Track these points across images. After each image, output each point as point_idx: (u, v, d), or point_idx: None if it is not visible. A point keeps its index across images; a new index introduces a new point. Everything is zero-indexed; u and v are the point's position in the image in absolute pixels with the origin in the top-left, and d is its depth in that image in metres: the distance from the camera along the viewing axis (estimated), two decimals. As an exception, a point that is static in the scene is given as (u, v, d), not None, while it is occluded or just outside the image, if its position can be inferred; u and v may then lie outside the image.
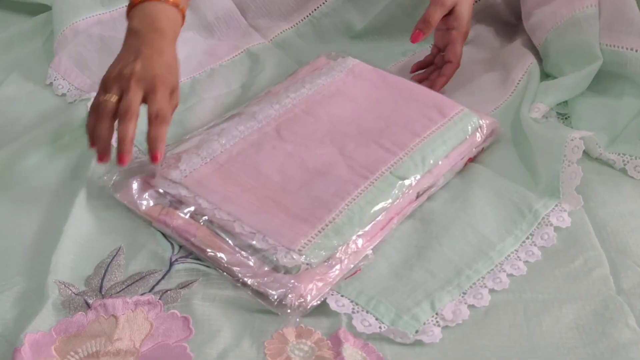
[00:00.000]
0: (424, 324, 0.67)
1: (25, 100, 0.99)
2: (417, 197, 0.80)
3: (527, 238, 0.75)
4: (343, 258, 0.71)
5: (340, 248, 0.71)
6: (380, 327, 0.66)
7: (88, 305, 0.68)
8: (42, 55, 1.08)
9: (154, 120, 0.75)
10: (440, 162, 0.82)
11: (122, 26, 1.07)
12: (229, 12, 1.11)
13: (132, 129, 0.74)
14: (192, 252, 0.74)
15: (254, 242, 0.70)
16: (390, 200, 0.76)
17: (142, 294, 0.69)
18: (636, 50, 0.88)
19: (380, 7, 1.10)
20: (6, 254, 0.74)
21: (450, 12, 0.96)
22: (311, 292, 0.68)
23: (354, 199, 0.75)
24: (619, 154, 0.84)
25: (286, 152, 0.81)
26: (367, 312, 0.68)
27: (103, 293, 0.70)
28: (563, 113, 0.93)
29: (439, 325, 0.67)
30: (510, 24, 1.08)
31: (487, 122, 0.88)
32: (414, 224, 0.78)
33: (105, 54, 1.03)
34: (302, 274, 0.68)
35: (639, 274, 0.70)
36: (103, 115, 0.75)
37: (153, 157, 0.75)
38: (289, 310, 0.66)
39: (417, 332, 0.66)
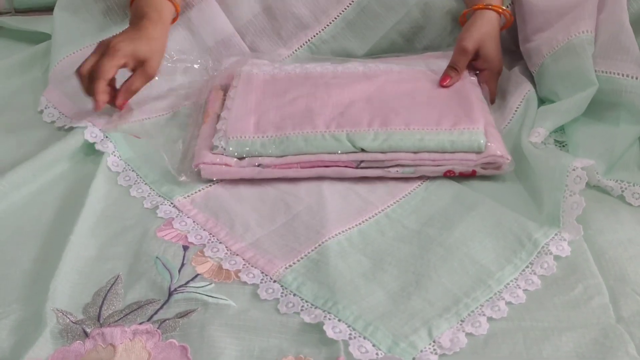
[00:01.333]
0: (421, 351, 0.67)
1: (23, 128, 1.00)
2: (358, 166, 0.88)
3: (527, 267, 0.75)
4: (248, 161, 0.88)
5: (255, 157, 0.88)
6: (377, 354, 0.66)
7: (86, 334, 0.68)
8: (41, 84, 1.09)
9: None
10: (402, 154, 0.87)
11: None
12: (229, 37, 1.12)
13: (96, 86, 0.91)
14: (190, 280, 0.74)
15: (218, 124, 0.92)
16: (322, 152, 0.88)
17: (140, 323, 0.69)
18: (632, 77, 0.89)
19: (380, 34, 1.11)
20: (4, 281, 0.74)
21: (478, 55, 0.99)
22: (209, 168, 0.88)
23: (299, 134, 0.88)
24: (616, 181, 0.84)
25: (312, 87, 0.97)
26: (365, 337, 0.68)
27: (101, 322, 0.69)
28: (561, 141, 0.94)
29: (436, 353, 0.66)
30: (510, 51, 1.09)
31: (498, 152, 0.87)
32: (412, 249, 0.78)
33: None
34: (217, 154, 0.88)
35: (638, 302, 0.70)
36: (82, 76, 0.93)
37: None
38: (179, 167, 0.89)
39: (413, 359, 0.66)
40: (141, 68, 0.95)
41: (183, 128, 0.99)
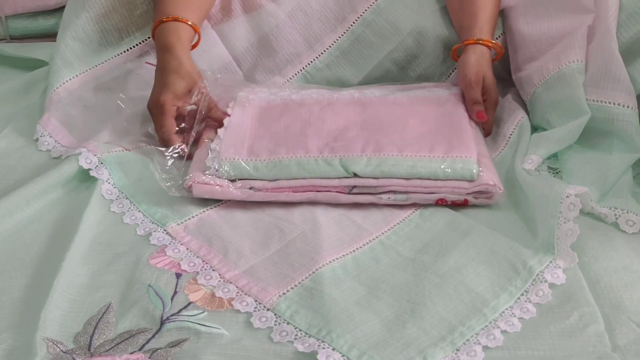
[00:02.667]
0: (417, 381, 0.66)
1: (17, 154, 1.00)
2: (350, 192, 0.88)
3: (522, 295, 0.75)
4: (241, 184, 0.89)
5: (247, 180, 0.89)
6: (372, 383, 0.65)
7: (76, 364, 0.67)
8: (36, 111, 1.09)
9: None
10: (394, 180, 0.87)
11: (115, 83, 1.10)
12: (226, 65, 1.13)
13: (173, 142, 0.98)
14: (183, 308, 0.74)
15: (212, 144, 0.93)
16: (315, 177, 0.88)
17: (131, 353, 0.68)
18: (623, 106, 0.89)
19: (374, 63, 1.11)
20: (-5, 309, 0.74)
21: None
22: (201, 187, 0.88)
23: (292, 158, 0.89)
24: (610, 208, 0.84)
25: (307, 113, 0.98)
26: (359, 367, 0.67)
27: (92, 351, 0.68)
28: (554, 168, 0.94)
29: (432, 383, 0.66)
30: (502, 79, 1.10)
31: (490, 181, 0.87)
32: (406, 277, 0.77)
33: (94, 117, 1.05)
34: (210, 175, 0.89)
35: (633, 330, 0.70)
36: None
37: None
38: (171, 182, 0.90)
39: (409, 389, 0.65)
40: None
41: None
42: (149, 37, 1.13)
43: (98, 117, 1.06)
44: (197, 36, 1.06)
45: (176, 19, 1.02)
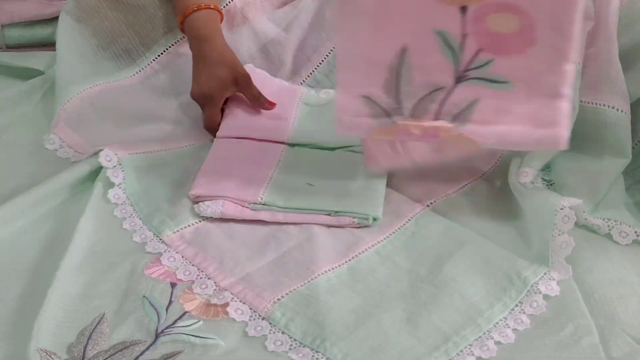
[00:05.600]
0: (411, 391, 0.66)
1: (13, 162, 0.99)
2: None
3: (516, 306, 0.75)
4: None
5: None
6: (365, 393, 0.66)
7: (70, 375, 0.67)
8: (32, 120, 1.09)
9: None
10: None
11: (125, 95, 1.09)
12: None
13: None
14: (178, 319, 0.74)
15: None
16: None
17: (125, 364, 0.68)
18: (617, 109, 0.89)
19: None
20: (-12, 319, 0.73)
21: None
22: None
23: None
24: (603, 219, 0.84)
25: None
26: (354, 374, 0.67)
27: (85, 362, 0.68)
28: (548, 179, 0.94)
29: (425, 394, 0.66)
30: None
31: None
32: (402, 287, 0.77)
33: (108, 122, 1.06)
34: None
35: (628, 342, 0.70)
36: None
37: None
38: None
39: (403, 399, 0.65)
40: (241, 85, 1.02)
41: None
42: (159, 56, 1.12)
43: (111, 125, 1.06)
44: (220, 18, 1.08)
45: (208, 7, 1.04)
